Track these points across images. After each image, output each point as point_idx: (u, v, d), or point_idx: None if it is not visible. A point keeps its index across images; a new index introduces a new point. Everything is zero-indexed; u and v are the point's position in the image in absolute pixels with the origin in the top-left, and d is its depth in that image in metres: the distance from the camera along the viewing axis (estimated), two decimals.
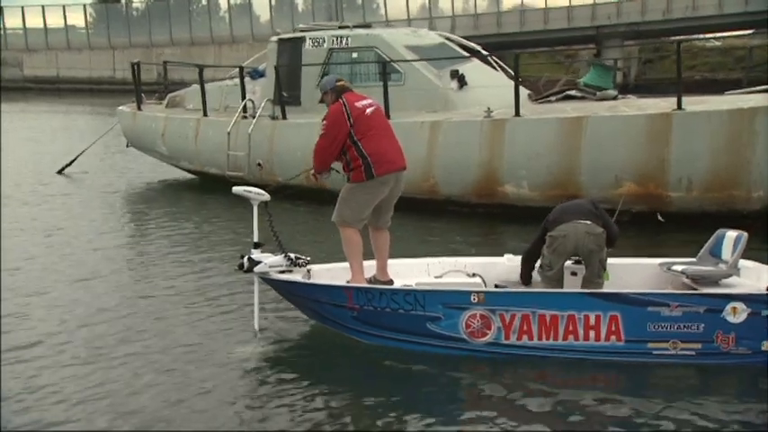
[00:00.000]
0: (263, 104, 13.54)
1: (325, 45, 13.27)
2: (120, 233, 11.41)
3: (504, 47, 33.75)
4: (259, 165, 13.36)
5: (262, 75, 14.28)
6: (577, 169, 10.67)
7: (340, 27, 14.05)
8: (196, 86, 15.15)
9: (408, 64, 12.51)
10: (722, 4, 40.64)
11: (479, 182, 11.44)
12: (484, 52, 14.20)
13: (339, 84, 6.76)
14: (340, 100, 6.60)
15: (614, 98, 11.98)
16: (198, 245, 10.47)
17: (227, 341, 6.70)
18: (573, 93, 12.28)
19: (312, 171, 6.87)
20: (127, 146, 16.52)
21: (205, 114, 14.44)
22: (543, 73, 18.06)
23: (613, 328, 5.94)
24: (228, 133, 13.62)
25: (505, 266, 7.10)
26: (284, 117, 13.30)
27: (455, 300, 6.13)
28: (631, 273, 6.93)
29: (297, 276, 6.78)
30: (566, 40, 43.20)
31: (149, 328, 7.11)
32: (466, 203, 11.69)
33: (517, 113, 11.22)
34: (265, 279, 6.76)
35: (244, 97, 13.77)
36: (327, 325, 6.76)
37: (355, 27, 13.91)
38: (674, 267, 6.69)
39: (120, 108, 16.82)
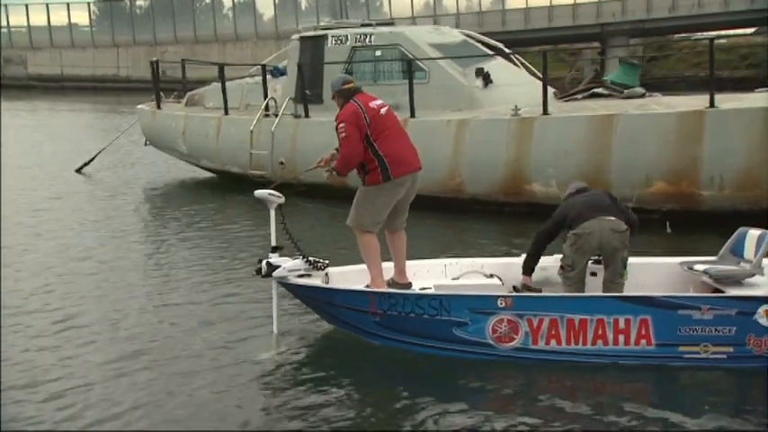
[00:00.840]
0: (285, 103, 13.48)
1: (348, 43, 13.22)
2: (137, 235, 11.26)
3: (508, 45, 33.73)
4: (281, 163, 13.31)
5: (283, 73, 14.23)
6: (607, 167, 10.62)
7: (362, 25, 14.00)
8: (216, 85, 15.10)
9: (432, 62, 12.47)
10: (728, 1, 40.66)
11: (506, 180, 11.39)
12: (506, 50, 14.16)
13: (346, 87, 6.56)
14: (352, 101, 6.45)
15: (641, 96, 11.94)
16: (217, 246, 10.35)
17: (246, 345, 6.58)
18: (599, 90, 12.24)
19: (330, 168, 6.67)
20: (145, 144, 16.47)
21: (226, 113, 14.38)
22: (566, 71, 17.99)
23: (644, 332, 5.84)
24: (251, 132, 13.57)
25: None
26: (307, 115, 13.25)
27: (482, 304, 6.01)
28: (651, 272, 6.84)
29: (316, 281, 6.63)
30: (570, 38, 43.21)
31: (166, 331, 6.99)
32: (492, 202, 11.63)
33: (545, 111, 11.18)
34: (284, 284, 6.62)
35: (266, 95, 13.71)
36: (347, 330, 6.62)
37: (378, 24, 13.87)
38: (696, 267, 6.60)
39: (140, 106, 16.75)
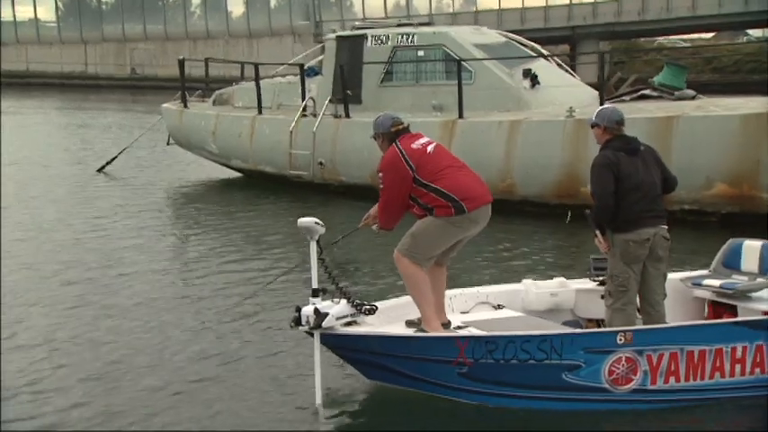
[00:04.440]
0: (326, 103, 13.36)
1: (389, 43, 13.15)
2: (160, 253, 10.08)
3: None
4: (321, 163, 13.20)
5: (317, 72, 14.11)
6: None
7: (399, 24, 13.96)
8: (245, 84, 14.92)
9: (478, 62, 12.47)
10: (695, 5, 41.48)
11: (561, 182, 11.41)
12: (544, 52, 14.25)
13: (394, 129, 5.78)
14: (394, 145, 5.75)
15: (693, 98, 12.08)
16: (249, 270, 9.08)
17: (282, 423, 5.33)
18: (648, 92, 12.35)
19: (377, 226, 5.97)
20: (168, 143, 16.15)
21: (260, 112, 14.19)
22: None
23: (758, 360, 5.43)
24: (291, 132, 13.42)
25: (529, 294, 6.42)
26: (347, 115, 13.15)
27: (599, 343, 5.34)
28: None
29: (370, 329, 5.60)
30: (542, 40, 43.52)
31: (191, 401, 5.68)
32: (544, 204, 11.67)
33: None
34: (327, 335, 5.43)
35: (304, 96, 13.57)
36: (410, 387, 5.58)
37: (420, 25, 13.84)
38: (705, 282, 6.17)
39: (165, 105, 16.41)
